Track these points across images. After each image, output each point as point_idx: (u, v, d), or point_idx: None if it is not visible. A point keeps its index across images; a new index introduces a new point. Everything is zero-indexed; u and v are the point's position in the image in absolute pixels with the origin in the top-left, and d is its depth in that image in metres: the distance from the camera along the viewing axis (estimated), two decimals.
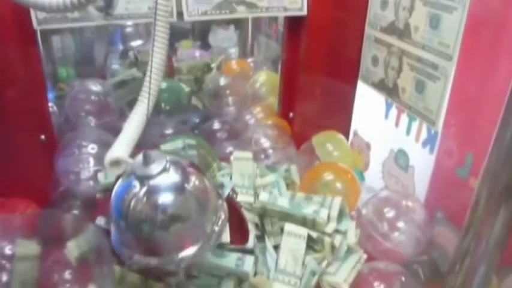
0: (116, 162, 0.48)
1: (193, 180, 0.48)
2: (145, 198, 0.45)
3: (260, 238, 0.62)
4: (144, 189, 0.45)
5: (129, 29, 1.26)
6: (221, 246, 0.57)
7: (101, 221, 0.61)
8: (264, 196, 0.63)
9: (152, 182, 0.45)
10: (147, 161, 0.46)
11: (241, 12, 0.79)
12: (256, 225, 0.63)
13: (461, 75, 0.63)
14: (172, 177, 0.46)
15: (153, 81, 0.51)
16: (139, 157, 0.46)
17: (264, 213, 0.62)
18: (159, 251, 0.46)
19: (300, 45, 0.87)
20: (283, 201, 0.63)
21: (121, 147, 0.49)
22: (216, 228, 0.49)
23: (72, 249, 0.54)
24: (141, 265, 0.48)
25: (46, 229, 0.58)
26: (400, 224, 0.69)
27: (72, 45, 1.30)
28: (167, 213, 0.45)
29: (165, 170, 0.46)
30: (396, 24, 0.74)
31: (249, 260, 0.57)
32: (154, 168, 0.46)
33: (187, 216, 0.46)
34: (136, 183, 0.46)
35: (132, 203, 0.45)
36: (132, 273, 0.57)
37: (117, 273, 0.56)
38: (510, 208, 0.46)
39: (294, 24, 0.86)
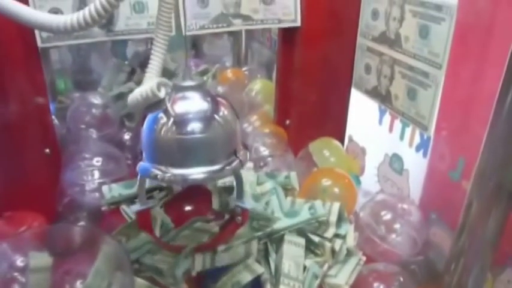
0: (159, 86, 0.50)
1: (226, 110, 0.51)
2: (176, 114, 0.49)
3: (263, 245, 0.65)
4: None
5: None
6: None
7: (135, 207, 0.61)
8: None
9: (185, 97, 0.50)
10: (185, 76, 0.50)
11: (237, 25, 0.82)
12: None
13: (451, 82, 0.66)
14: (207, 93, 0.50)
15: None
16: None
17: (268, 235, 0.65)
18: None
19: (294, 55, 0.89)
20: (280, 219, 0.65)
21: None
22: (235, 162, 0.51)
23: None
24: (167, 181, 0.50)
25: (57, 241, 0.60)
26: (397, 226, 0.71)
27: (69, 57, 1.32)
28: (196, 125, 0.48)
29: (202, 85, 0.50)
30: (387, 34, 0.77)
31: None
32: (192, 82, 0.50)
33: (212, 134, 0.49)
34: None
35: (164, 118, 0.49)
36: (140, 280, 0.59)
37: None
38: (501, 208, 0.48)
39: (288, 34, 0.89)
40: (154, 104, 0.50)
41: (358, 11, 0.84)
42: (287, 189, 0.74)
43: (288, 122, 0.96)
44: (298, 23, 0.84)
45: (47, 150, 0.79)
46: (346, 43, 0.88)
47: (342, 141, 0.96)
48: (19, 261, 0.59)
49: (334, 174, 0.78)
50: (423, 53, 0.69)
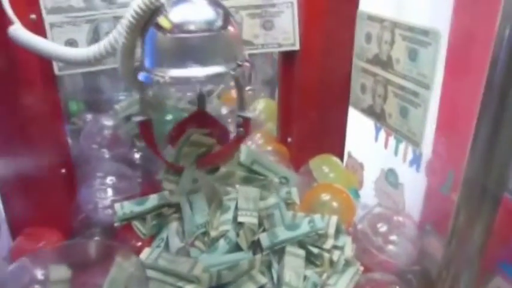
0: None
1: (228, 15, 0.50)
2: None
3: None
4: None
5: None
6: None
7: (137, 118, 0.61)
8: (264, 238, 0.67)
9: None
10: None
11: None
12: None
13: (444, 101, 0.71)
14: None
15: None
16: None
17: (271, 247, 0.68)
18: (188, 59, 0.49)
19: (294, 76, 0.94)
20: (282, 232, 0.68)
21: None
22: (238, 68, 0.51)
23: None
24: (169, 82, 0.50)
25: (75, 255, 0.64)
26: (393, 237, 0.75)
27: (80, 79, 1.37)
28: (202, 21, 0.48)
29: None
30: (380, 56, 0.82)
31: None
32: None
33: (214, 35, 0.48)
34: None
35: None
36: None
37: None
38: (487, 212, 0.51)
39: (288, 57, 0.93)
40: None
41: (353, 35, 0.89)
42: (288, 204, 0.78)
43: (289, 139, 1.00)
44: (297, 47, 0.89)
45: (63, 170, 0.84)
46: (343, 64, 0.92)
47: (342, 157, 1.00)
48: (40, 274, 0.64)
49: (332, 189, 0.82)
50: (412, 74, 0.73)
